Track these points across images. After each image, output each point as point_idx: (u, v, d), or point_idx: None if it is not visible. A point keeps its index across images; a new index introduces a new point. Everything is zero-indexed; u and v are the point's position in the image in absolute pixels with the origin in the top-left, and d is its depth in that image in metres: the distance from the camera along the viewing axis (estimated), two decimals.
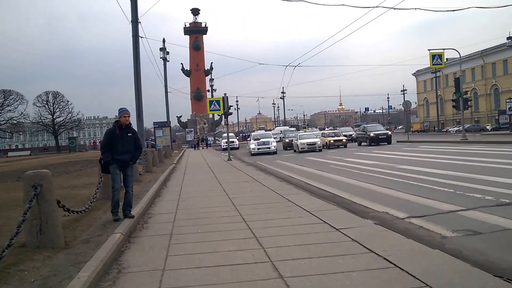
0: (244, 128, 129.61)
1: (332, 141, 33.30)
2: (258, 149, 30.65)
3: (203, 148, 57.08)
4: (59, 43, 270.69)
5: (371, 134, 32.70)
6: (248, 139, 36.68)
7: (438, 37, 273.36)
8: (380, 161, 18.00)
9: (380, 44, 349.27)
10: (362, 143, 34.40)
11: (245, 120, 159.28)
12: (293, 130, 56.71)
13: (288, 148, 35.49)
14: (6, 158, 54.62)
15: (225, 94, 25.51)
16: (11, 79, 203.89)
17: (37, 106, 74.53)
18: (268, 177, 14.09)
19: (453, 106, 34.47)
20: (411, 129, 69.75)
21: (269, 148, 30.68)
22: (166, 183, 13.89)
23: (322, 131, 42.21)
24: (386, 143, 32.24)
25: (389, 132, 34.99)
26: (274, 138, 34.96)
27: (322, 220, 6.72)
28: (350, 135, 40.50)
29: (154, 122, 41.07)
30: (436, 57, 28.83)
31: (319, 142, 30.53)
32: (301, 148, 30.02)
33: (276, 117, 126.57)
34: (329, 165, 18.28)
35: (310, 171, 16.74)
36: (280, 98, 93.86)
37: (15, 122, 72.28)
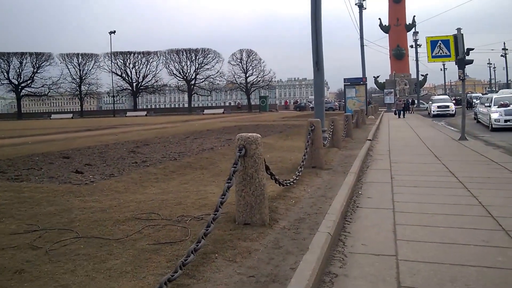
0: (449, 91, 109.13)
1: None
2: (505, 121, 18.07)
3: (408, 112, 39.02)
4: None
5: None
6: (487, 104, 22.63)
7: None
8: None
9: None
10: None
11: (450, 83, 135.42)
12: None
13: None
14: (192, 116, 52.36)
15: (459, 29, 14.59)
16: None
17: (231, 64, 72.05)
18: None
19: None
20: None
21: None
22: (339, 244, 4.30)
23: None
24: None
25: None
26: None
27: None
28: None
29: (344, 79, 30.67)
30: None
31: None
32: None
33: (489, 80, 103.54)
34: None
35: None
36: (501, 56, 74.81)
37: (212, 80, 71.44)
